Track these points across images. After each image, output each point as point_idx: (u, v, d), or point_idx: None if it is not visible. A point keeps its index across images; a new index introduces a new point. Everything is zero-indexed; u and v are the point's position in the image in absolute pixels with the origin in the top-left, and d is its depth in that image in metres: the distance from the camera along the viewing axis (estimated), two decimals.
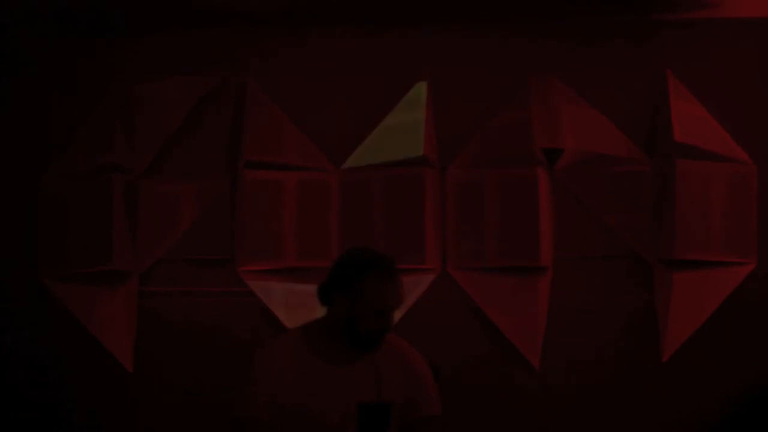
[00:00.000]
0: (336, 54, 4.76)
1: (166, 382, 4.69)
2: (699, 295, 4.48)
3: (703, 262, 4.48)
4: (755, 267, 4.49)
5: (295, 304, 4.48)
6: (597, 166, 4.58)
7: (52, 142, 4.82)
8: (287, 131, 4.72)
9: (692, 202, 4.48)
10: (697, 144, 4.48)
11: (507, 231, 4.56)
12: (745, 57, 4.61)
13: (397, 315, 4.33)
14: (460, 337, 4.57)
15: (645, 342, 4.53)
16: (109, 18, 4.69)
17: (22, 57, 4.86)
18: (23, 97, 4.86)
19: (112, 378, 4.69)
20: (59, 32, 4.81)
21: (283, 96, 4.73)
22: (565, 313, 4.55)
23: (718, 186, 4.51)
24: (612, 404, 4.55)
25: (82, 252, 4.70)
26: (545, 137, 4.55)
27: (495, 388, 4.59)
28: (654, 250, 4.55)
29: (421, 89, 4.65)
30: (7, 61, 4.86)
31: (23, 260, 4.77)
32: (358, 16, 4.66)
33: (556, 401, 4.57)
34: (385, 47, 4.73)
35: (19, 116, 4.87)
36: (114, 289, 4.70)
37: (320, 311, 3.14)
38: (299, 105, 4.74)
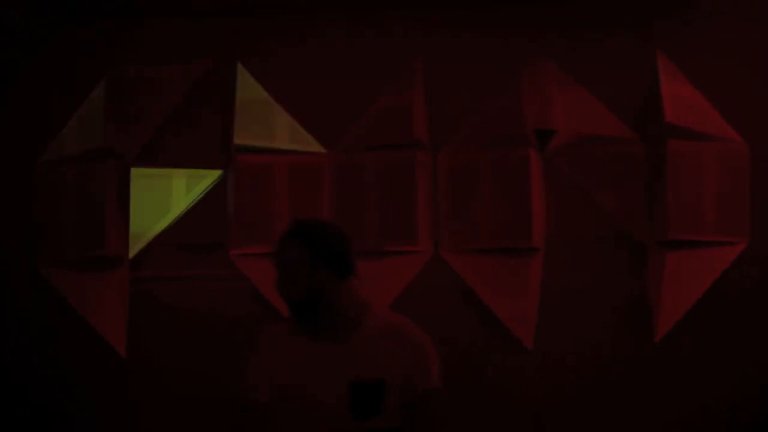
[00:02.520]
0: (329, 39, 4.77)
1: (159, 367, 4.68)
2: (691, 275, 4.47)
3: (695, 242, 4.48)
4: (747, 246, 4.49)
5: None
6: (589, 147, 4.59)
7: (46, 130, 4.81)
8: (279, 116, 4.71)
9: (684, 182, 4.49)
10: (689, 124, 4.48)
11: (499, 213, 4.56)
12: (736, 37, 4.61)
13: (390, 296, 4.45)
14: (453, 319, 4.57)
15: (638, 322, 4.53)
16: (105, 3, 4.68)
17: (15, 48, 4.85)
18: (17, 87, 4.86)
19: (106, 363, 4.68)
20: (51, 22, 4.80)
21: (275, 82, 4.73)
22: (558, 294, 4.55)
23: (710, 166, 4.52)
24: (605, 385, 4.55)
25: (75, 238, 4.69)
26: (537, 119, 4.55)
27: (488, 370, 4.59)
28: (647, 230, 4.55)
29: None
30: (1, 51, 4.85)
31: (17, 247, 4.77)
32: (352, 3, 4.66)
33: (549, 382, 4.57)
34: (379, 31, 4.74)
35: (12, 106, 4.86)
36: (107, 274, 4.69)
37: None
38: (291, 89, 4.73)
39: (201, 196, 4.74)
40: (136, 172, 4.72)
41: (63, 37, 4.84)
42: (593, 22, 4.67)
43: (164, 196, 4.76)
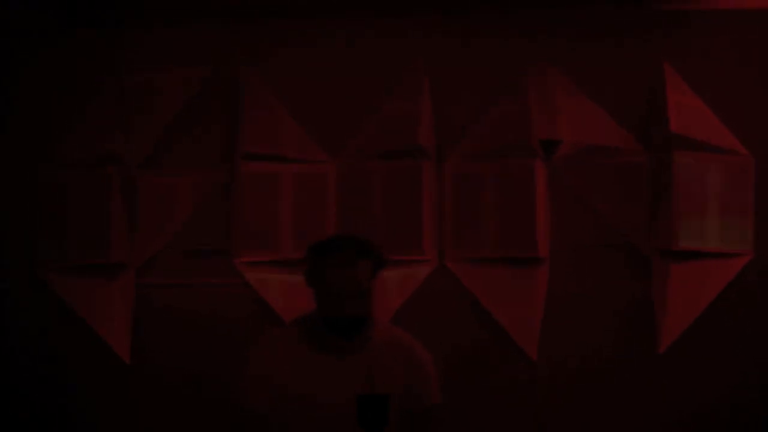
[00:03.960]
0: (334, 46, 4.75)
1: (164, 374, 4.68)
2: (696, 286, 4.47)
3: (700, 253, 4.48)
4: (752, 258, 4.49)
5: (292, 295, 4.47)
6: (594, 157, 4.58)
7: (47, 134, 4.80)
8: (284, 123, 4.71)
9: (689, 193, 4.47)
10: (694, 135, 4.48)
11: (504, 222, 4.56)
12: (742, 48, 4.59)
13: (395, 305, 4.45)
14: (457, 329, 4.56)
15: (642, 333, 4.53)
16: (108, 9, 4.68)
17: (17, 51, 4.85)
18: (19, 91, 4.85)
19: (111, 370, 4.68)
20: (54, 25, 4.80)
21: (280, 88, 4.72)
22: (563, 304, 4.55)
23: (715, 177, 4.51)
24: (609, 395, 4.55)
25: (79, 245, 4.68)
26: (543, 129, 4.54)
27: (492, 379, 4.59)
28: (651, 241, 4.55)
29: None
30: (3, 55, 4.85)
31: (21, 253, 4.76)
32: (356, 8, 4.65)
33: (553, 392, 4.57)
34: (384, 38, 4.72)
35: (14, 110, 4.85)
36: (111, 281, 4.68)
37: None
38: (296, 97, 4.72)
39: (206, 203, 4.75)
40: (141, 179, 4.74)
41: (64, 41, 4.82)
42: (599, 30, 4.66)
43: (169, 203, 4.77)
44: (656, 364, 4.52)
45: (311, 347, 3.13)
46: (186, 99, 4.75)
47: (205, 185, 4.72)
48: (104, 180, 4.66)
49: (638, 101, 4.63)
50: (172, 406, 4.66)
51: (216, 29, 4.76)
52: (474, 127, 4.64)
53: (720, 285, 4.47)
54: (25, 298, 4.76)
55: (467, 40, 4.70)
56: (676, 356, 4.49)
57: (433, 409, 3.17)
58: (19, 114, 4.85)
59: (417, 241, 4.56)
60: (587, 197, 4.62)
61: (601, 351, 4.57)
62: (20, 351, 4.76)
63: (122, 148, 4.71)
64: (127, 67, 4.77)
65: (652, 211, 4.56)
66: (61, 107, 4.80)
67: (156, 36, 4.77)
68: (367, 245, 3.11)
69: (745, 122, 4.55)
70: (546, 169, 4.59)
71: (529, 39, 4.67)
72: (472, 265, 4.58)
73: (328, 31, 4.75)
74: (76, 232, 4.68)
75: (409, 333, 3.27)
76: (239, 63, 4.74)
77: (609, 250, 4.59)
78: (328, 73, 4.72)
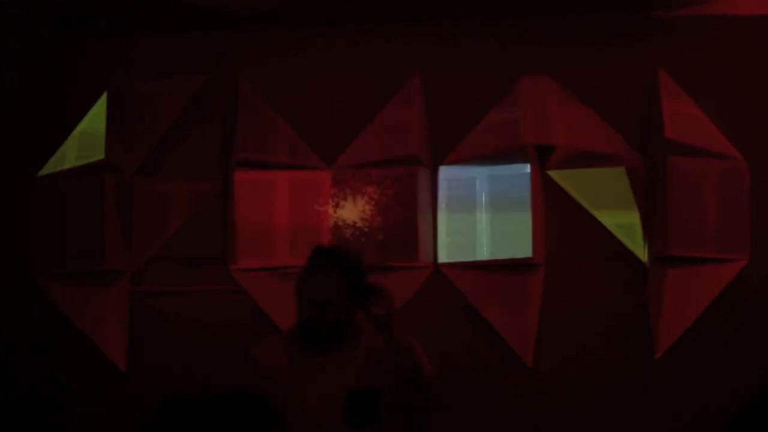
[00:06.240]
0: (329, 54, 4.78)
1: (160, 381, 4.66)
2: (692, 291, 4.47)
3: (695, 259, 4.47)
4: (748, 263, 4.49)
5: (287, 302, 4.46)
6: (589, 163, 4.58)
7: (45, 143, 4.83)
8: (279, 130, 4.72)
9: (684, 198, 4.48)
10: (689, 141, 4.49)
11: (499, 228, 4.55)
12: (737, 54, 4.62)
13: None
14: (453, 335, 4.57)
15: (638, 339, 4.53)
16: (105, 18, 4.70)
17: (15, 57, 4.88)
18: (18, 97, 4.88)
19: (107, 377, 4.69)
20: (53, 33, 4.83)
21: (275, 95, 4.75)
22: (558, 310, 4.55)
23: (710, 183, 4.52)
24: (605, 401, 4.54)
25: (75, 252, 4.69)
26: (537, 135, 4.55)
27: (487, 386, 4.58)
28: (647, 246, 4.55)
29: None
30: (1, 63, 4.88)
31: (17, 259, 4.78)
32: (350, 17, 4.67)
33: (549, 398, 4.56)
34: (379, 46, 4.75)
35: (13, 116, 4.88)
36: (106, 288, 4.69)
37: None
38: (291, 104, 4.75)
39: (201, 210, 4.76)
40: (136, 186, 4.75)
41: (62, 51, 4.87)
42: (594, 37, 4.68)
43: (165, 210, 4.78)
44: (653, 369, 4.51)
45: (304, 351, 3.16)
46: (182, 107, 4.77)
47: (201, 192, 4.74)
48: (100, 187, 4.68)
49: (633, 107, 4.65)
50: None
51: (213, 39, 4.79)
52: (469, 133, 4.65)
53: (716, 290, 4.48)
54: (22, 304, 4.78)
55: (463, 47, 4.73)
56: (673, 361, 4.49)
57: (431, 385, 3.16)
58: (16, 121, 4.88)
59: (412, 247, 4.56)
60: (583, 203, 4.62)
61: (599, 356, 4.57)
62: (16, 357, 4.77)
63: (118, 156, 4.72)
64: (124, 75, 4.80)
65: (648, 217, 4.56)
66: (59, 116, 4.82)
67: (153, 44, 4.82)
68: (340, 256, 3.14)
69: (740, 127, 4.57)
70: (541, 174, 4.60)
71: (525, 47, 4.70)
72: (467, 271, 4.58)
73: (324, 40, 4.79)
74: (72, 239, 4.70)
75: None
76: (235, 71, 4.76)
77: (605, 257, 4.60)
78: (324, 80, 4.75)
